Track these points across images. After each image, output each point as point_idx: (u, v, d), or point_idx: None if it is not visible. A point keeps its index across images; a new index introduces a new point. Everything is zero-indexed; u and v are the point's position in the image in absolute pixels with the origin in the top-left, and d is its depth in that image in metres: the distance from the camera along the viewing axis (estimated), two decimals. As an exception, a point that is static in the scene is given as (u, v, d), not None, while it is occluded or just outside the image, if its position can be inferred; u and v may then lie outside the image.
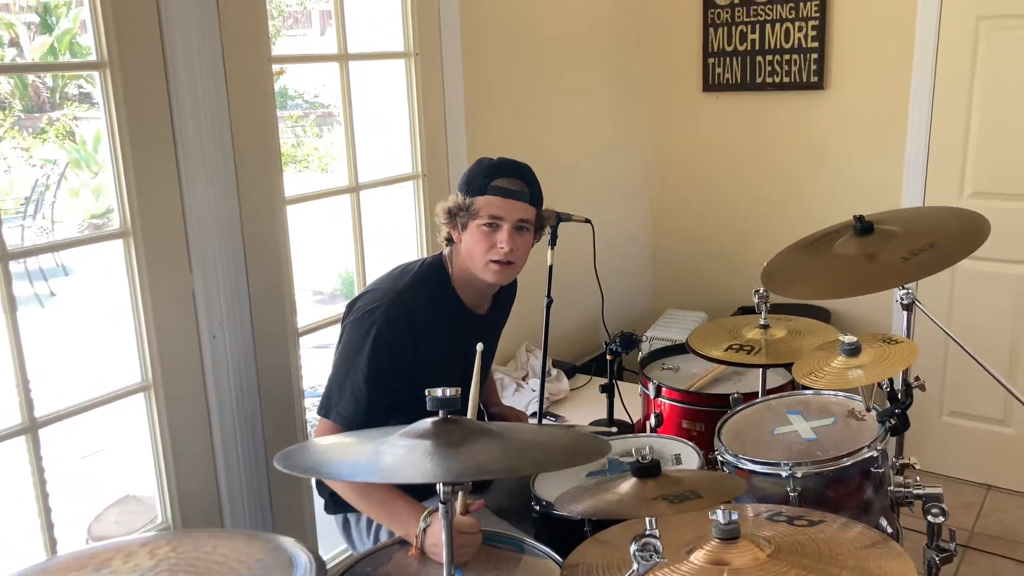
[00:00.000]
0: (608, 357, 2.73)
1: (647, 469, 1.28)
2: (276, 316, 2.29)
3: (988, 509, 3.29)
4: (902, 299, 2.00)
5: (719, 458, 1.88)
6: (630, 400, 2.77)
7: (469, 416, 1.65)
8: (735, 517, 1.40)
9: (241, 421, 2.19)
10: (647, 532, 1.27)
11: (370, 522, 2.00)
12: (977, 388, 3.35)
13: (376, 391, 1.84)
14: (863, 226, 2.00)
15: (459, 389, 1.17)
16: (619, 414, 2.80)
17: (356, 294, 2.12)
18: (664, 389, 2.49)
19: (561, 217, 2.56)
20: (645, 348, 3.37)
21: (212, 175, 2.08)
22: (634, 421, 2.80)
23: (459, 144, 2.84)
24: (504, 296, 2.17)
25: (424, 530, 1.66)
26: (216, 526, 2.19)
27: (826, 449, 1.81)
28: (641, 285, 4.07)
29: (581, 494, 1.32)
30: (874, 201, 3.25)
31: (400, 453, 1.13)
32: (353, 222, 2.53)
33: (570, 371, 3.22)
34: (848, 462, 1.77)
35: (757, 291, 2.29)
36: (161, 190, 2.00)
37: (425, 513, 1.68)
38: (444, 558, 1.21)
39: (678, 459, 2.03)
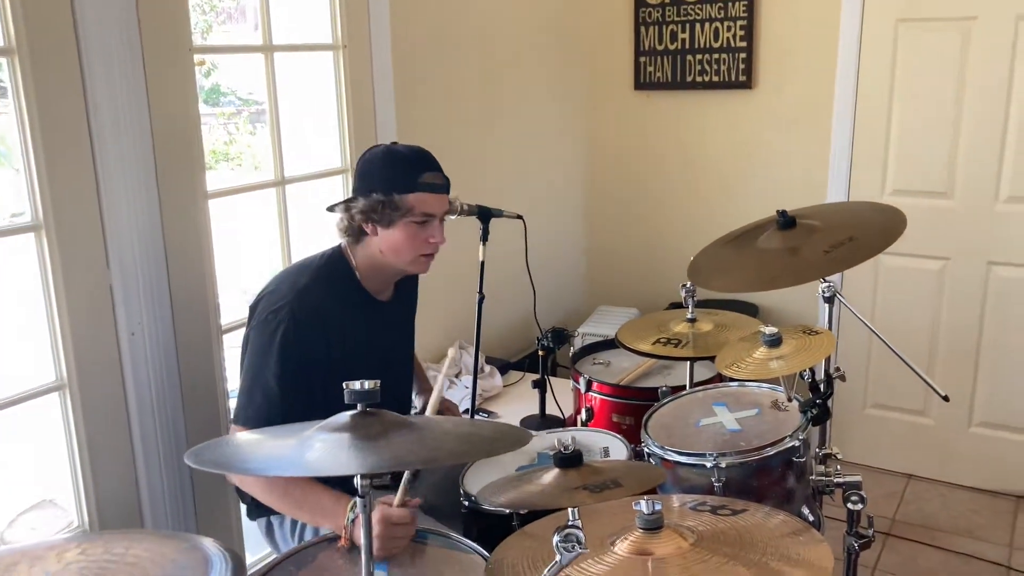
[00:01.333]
0: (540, 353, 2.74)
1: (569, 459, 1.28)
2: (199, 313, 2.23)
3: (909, 498, 3.39)
4: (824, 292, 2.04)
5: (646, 450, 1.89)
6: (562, 395, 2.78)
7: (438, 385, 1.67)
8: (658, 507, 1.41)
9: (162, 421, 2.13)
10: (570, 523, 1.27)
11: (294, 524, 1.97)
12: (898, 381, 3.45)
13: (289, 390, 1.81)
14: (786, 220, 2.04)
15: (378, 382, 1.15)
16: (551, 409, 2.81)
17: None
18: (594, 383, 2.51)
19: (493, 213, 2.56)
20: (577, 344, 3.39)
21: (130, 168, 2.01)
22: (565, 416, 2.80)
23: (389, 138, 2.81)
24: (406, 281, 2.15)
25: (352, 520, 1.64)
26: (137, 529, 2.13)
27: (750, 439, 1.84)
28: (574, 282, 4.10)
29: (504, 486, 1.31)
30: (801, 198, 3.32)
31: (317, 447, 1.11)
32: (279, 217, 2.48)
33: (503, 368, 3.22)
34: (771, 452, 1.79)
35: (684, 285, 2.32)
36: (76, 183, 1.93)
37: (352, 503, 1.65)
38: (362, 553, 1.19)
39: (606, 452, 2.04)
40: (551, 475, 1.29)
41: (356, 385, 1.14)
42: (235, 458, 1.13)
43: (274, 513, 1.99)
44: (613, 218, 4.02)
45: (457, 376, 3.06)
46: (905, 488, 3.46)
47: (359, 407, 1.15)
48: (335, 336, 1.88)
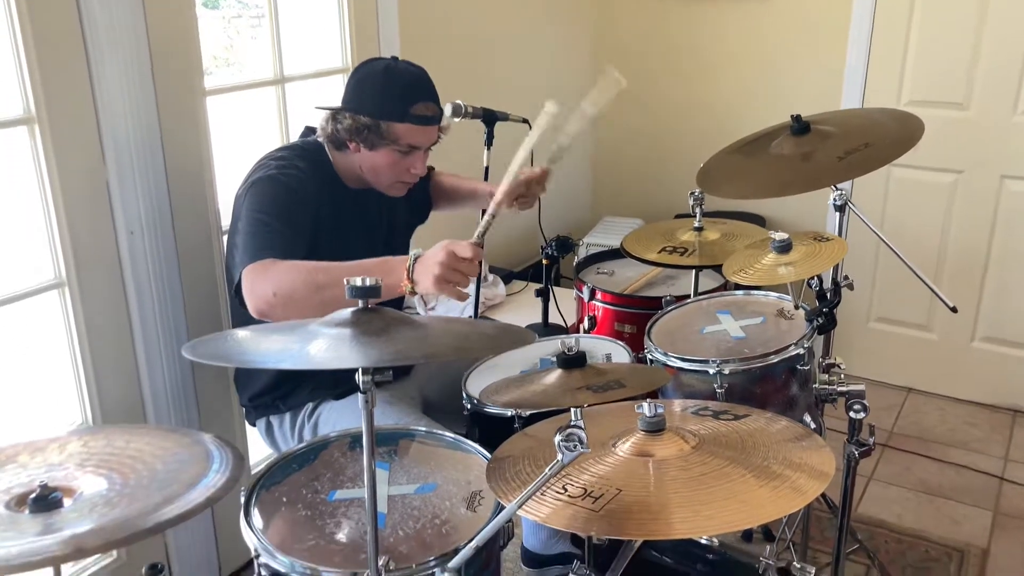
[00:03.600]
0: (544, 262, 2.71)
1: (573, 360, 1.26)
2: (198, 212, 2.19)
3: (907, 411, 3.41)
4: (835, 200, 2.00)
5: (648, 356, 1.88)
6: (565, 305, 2.76)
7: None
8: (660, 410, 1.40)
9: (163, 321, 2.12)
10: (572, 423, 1.26)
11: (294, 423, 1.97)
12: (904, 295, 3.43)
13: (290, 225, 1.76)
14: (800, 125, 1.98)
15: (379, 279, 1.12)
16: (554, 318, 2.80)
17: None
18: (598, 292, 2.49)
19: (498, 116, 2.50)
20: (582, 253, 3.37)
21: (124, 60, 1.94)
22: (568, 325, 2.80)
23: (391, 35, 2.72)
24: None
25: (417, 259, 1.59)
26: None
27: (754, 347, 1.82)
28: (579, 192, 4.04)
29: (506, 386, 1.30)
30: (815, 108, 3.23)
31: (319, 342, 1.09)
32: (280, 117, 2.42)
33: (507, 277, 3.20)
34: (775, 359, 1.78)
35: (692, 193, 2.27)
36: (68, 74, 1.87)
37: (413, 252, 1.61)
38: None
39: (608, 358, 2.03)
40: (554, 376, 1.28)
41: (357, 281, 1.11)
42: (234, 351, 1.11)
43: (274, 412, 2.00)
44: (621, 127, 3.93)
45: (460, 283, 3.05)
46: (904, 401, 3.48)
47: (361, 304, 1.12)
48: (324, 210, 1.85)
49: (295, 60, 2.46)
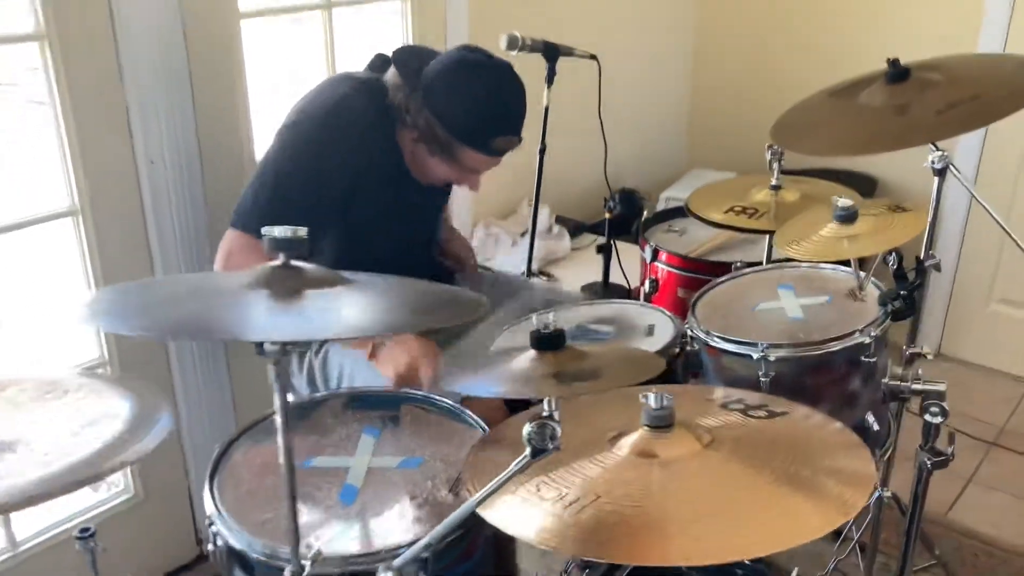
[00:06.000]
0: (607, 215, 2.48)
1: (546, 340, 1.05)
2: (229, 147, 2.07)
3: (1025, 407, 3.01)
4: (934, 162, 1.67)
5: (689, 333, 1.64)
6: (631, 264, 2.52)
7: None
8: (667, 403, 1.18)
9: (186, 257, 2.02)
10: (545, 414, 1.06)
11: (301, 360, 1.81)
12: (1033, 275, 3.00)
13: (310, 198, 1.62)
14: (897, 71, 1.66)
15: (307, 229, 0.94)
16: (616, 278, 2.57)
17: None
18: (661, 253, 2.24)
19: (561, 51, 2.26)
20: (662, 207, 3.10)
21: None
22: (632, 287, 2.56)
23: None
24: None
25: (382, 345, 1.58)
26: (160, 363, 2.07)
27: (810, 331, 1.55)
28: (671, 139, 3.71)
29: (467, 367, 1.11)
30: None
31: (226, 304, 0.93)
32: (325, 45, 2.26)
33: (575, 229, 2.97)
34: (835, 347, 1.51)
35: (770, 146, 1.98)
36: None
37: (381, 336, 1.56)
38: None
39: (651, 330, 1.80)
40: (525, 358, 1.08)
41: (276, 231, 0.93)
42: (128, 311, 0.95)
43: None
44: (722, 69, 3.57)
45: (523, 235, 2.84)
46: (1023, 395, 3.07)
47: (282, 257, 0.95)
48: (358, 168, 1.68)
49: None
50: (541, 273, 2.66)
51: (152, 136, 1.91)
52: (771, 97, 3.40)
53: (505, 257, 2.70)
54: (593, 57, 2.29)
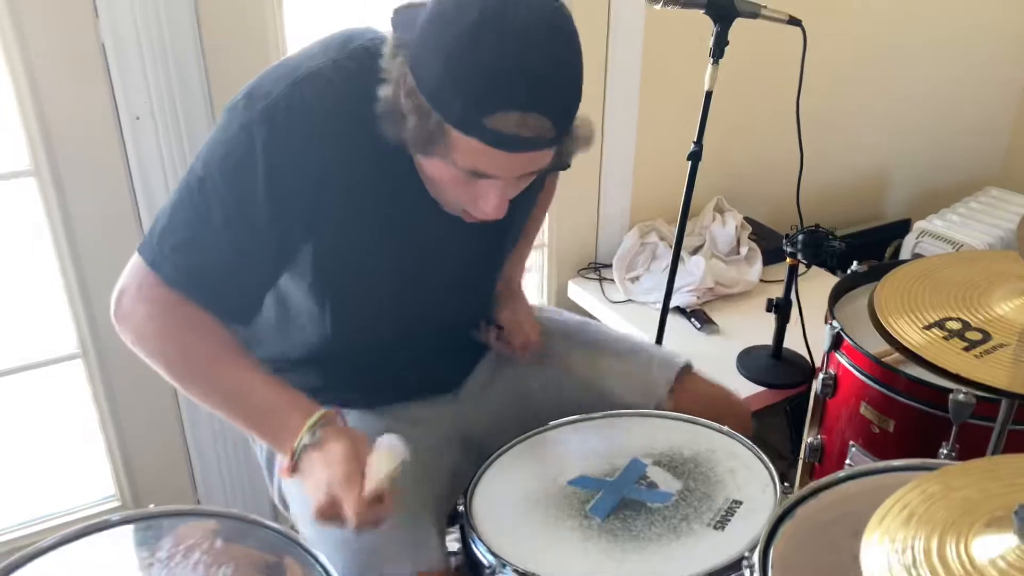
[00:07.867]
0: (788, 261, 1.67)
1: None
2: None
3: None
4: None
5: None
6: (818, 331, 1.69)
7: None
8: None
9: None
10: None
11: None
12: None
13: (238, 231, 1.00)
14: None
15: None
16: (797, 346, 1.77)
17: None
18: (845, 341, 1.42)
19: (737, 10, 1.46)
20: (912, 243, 2.19)
21: None
22: (814, 365, 1.75)
23: None
24: None
25: (306, 446, 0.97)
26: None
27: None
28: (967, 146, 2.63)
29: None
30: None
31: None
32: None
33: (775, 252, 2.10)
34: None
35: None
36: None
37: (316, 416, 0.97)
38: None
39: (730, 510, 1.05)
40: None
41: None
42: None
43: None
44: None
45: (698, 251, 2.08)
46: None
47: None
48: (336, 174, 1.02)
49: None
50: (693, 315, 1.90)
51: (135, 83, 1.46)
52: None
53: (657, 279, 1.96)
54: (793, 21, 1.47)
